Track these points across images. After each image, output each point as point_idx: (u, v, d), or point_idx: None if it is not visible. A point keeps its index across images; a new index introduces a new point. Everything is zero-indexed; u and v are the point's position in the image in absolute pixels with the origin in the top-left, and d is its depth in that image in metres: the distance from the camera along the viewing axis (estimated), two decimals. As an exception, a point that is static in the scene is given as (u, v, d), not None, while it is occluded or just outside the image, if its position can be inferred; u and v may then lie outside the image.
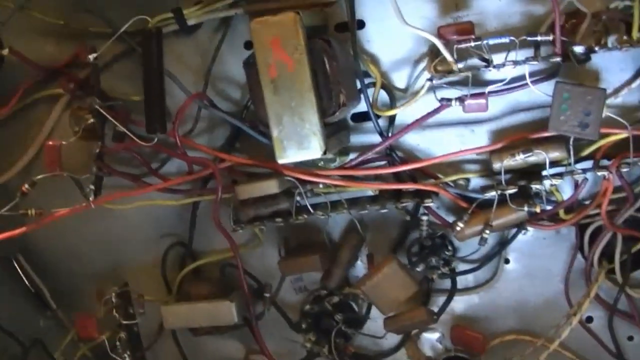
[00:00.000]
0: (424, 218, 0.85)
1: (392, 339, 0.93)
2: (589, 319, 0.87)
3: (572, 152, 0.77)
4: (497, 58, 0.77)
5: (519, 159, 0.79)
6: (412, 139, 0.86)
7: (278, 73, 0.74)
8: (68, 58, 0.90)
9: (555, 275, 0.87)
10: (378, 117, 0.83)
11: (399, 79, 0.85)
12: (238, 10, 0.85)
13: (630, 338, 0.86)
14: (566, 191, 0.82)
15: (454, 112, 0.80)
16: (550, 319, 0.86)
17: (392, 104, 0.84)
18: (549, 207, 0.81)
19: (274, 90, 0.75)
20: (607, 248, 0.83)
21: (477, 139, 0.84)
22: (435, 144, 0.85)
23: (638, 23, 0.74)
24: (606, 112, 0.76)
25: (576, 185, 0.81)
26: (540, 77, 0.79)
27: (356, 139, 0.87)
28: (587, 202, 0.82)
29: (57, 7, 0.91)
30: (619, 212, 0.80)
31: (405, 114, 0.83)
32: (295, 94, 0.74)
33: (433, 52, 0.81)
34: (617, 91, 0.80)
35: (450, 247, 0.87)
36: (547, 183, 0.80)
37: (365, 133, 0.87)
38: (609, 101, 0.79)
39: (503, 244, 0.86)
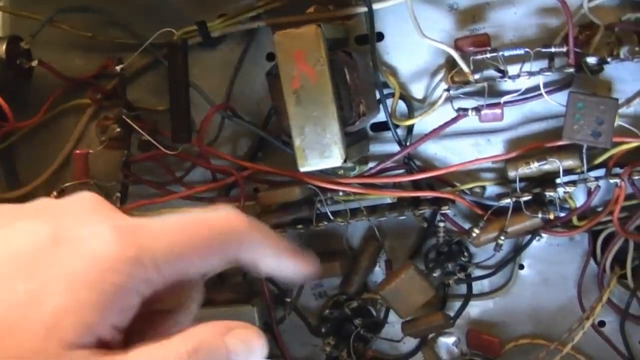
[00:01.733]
0: (441, 225, 0.87)
1: (410, 343, 0.94)
2: (602, 323, 0.88)
3: (585, 161, 0.79)
4: (513, 69, 0.79)
5: (534, 167, 0.81)
6: (430, 148, 0.87)
7: (300, 84, 0.76)
8: (95, 69, 0.93)
9: (568, 281, 0.88)
10: (397, 126, 0.85)
11: (417, 90, 0.87)
12: (260, 23, 0.87)
13: (643, 342, 0.88)
14: (579, 198, 0.84)
15: (471, 121, 0.82)
16: (563, 324, 0.87)
17: (410, 114, 0.86)
18: (562, 214, 0.83)
19: (297, 101, 0.77)
20: (619, 254, 0.84)
21: (493, 148, 0.86)
22: (452, 153, 0.87)
23: (648, 35, 0.77)
24: (618, 121, 0.78)
25: (589, 193, 0.82)
26: (554, 87, 0.80)
27: (375, 148, 0.89)
28: (599, 209, 0.83)
29: (85, 20, 0.93)
30: (631, 219, 0.81)
31: (423, 123, 0.85)
32: (317, 104, 0.76)
33: (450, 64, 0.84)
34: (629, 101, 0.81)
35: (466, 253, 0.88)
36: (560, 190, 0.81)
37: (384, 142, 0.89)
38: (621, 110, 0.80)
39: (518, 250, 0.87)
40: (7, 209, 0.38)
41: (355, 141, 0.82)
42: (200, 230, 0.37)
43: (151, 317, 0.39)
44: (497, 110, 0.80)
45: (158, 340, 0.35)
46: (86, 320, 0.33)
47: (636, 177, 0.80)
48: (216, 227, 0.38)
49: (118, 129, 0.88)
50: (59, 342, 0.32)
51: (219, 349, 0.36)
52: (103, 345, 0.34)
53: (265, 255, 0.40)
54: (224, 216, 0.38)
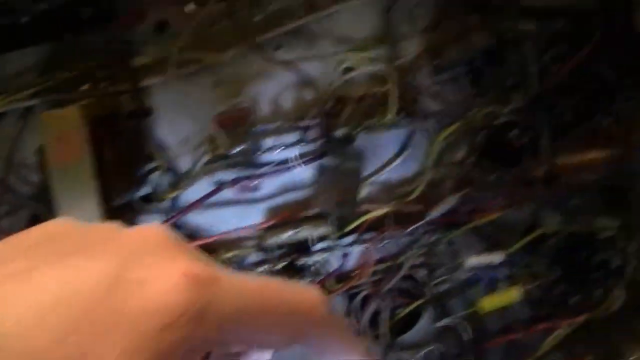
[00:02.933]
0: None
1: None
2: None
3: (335, 228, 0.84)
4: (269, 142, 0.85)
5: (288, 236, 0.86)
6: (195, 219, 0.91)
7: (63, 162, 0.80)
8: None
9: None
10: (162, 199, 0.89)
11: (183, 162, 0.90)
12: (37, 100, 0.90)
13: (400, 396, 0.92)
14: (336, 262, 0.88)
15: (232, 192, 0.87)
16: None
17: (176, 186, 0.89)
18: (320, 278, 0.88)
19: (60, 178, 0.80)
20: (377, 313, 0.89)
21: (253, 217, 0.90)
22: (216, 222, 0.90)
23: (393, 107, 0.82)
24: (370, 188, 0.83)
25: (343, 258, 0.87)
26: (309, 158, 0.86)
27: (143, 220, 0.91)
28: (355, 273, 0.88)
29: None
30: (383, 281, 0.87)
31: (188, 195, 0.89)
32: (78, 181, 0.80)
33: (212, 138, 0.88)
34: (380, 169, 0.87)
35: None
36: (315, 257, 0.86)
37: (152, 214, 0.91)
38: (373, 178, 0.86)
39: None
40: (72, 230, 0.33)
41: (121, 214, 0.86)
42: (277, 305, 0.33)
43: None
44: (254, 182, 0.85)
45: None
46: None
47: (386, 242, 0.85)
48: (295, 309, 0.33)
49: None
50: None
51: None
52: None
53: (332, 354, 0.36)
54: (307, 299, 0.34)
